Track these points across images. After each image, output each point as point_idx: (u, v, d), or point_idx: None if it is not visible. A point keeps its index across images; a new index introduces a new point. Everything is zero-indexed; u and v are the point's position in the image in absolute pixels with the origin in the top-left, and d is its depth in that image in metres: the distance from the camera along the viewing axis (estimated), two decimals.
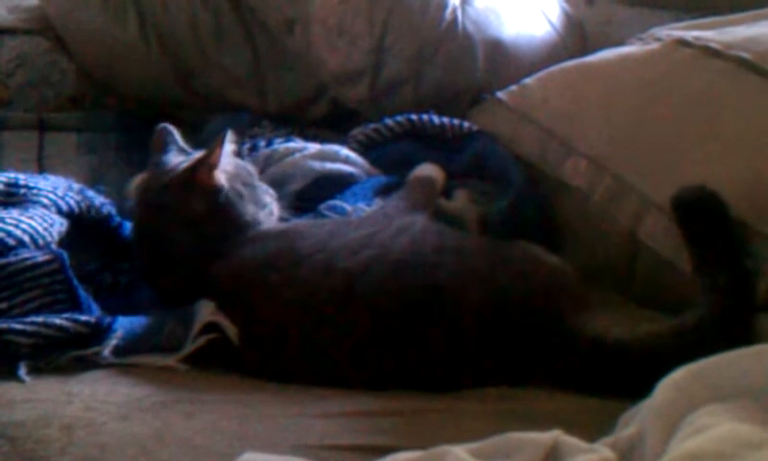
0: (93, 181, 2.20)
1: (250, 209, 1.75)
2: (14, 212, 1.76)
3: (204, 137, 2.06)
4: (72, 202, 1.84)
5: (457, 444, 1.16)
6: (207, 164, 1.72)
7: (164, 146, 1.85)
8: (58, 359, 1.57)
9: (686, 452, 0.98)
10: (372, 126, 2.21)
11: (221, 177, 1.73)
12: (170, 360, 1.60)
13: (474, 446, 1.13)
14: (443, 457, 1.11)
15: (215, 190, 1.73)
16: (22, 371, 1.53)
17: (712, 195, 1.60)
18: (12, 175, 1.87)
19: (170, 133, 1.87)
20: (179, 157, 1.81)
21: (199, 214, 1.73)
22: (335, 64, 2.37)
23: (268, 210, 1.79)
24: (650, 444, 1.06)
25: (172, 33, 2.48)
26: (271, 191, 1.84)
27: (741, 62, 1.85)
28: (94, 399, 1.47)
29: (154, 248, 1.77)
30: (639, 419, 1.13)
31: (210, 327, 1.61)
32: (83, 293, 1.68)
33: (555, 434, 1.11)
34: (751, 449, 0.97)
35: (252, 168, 1.84)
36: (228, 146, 1.75)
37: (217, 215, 1.73)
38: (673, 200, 1.63)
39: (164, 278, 1.75)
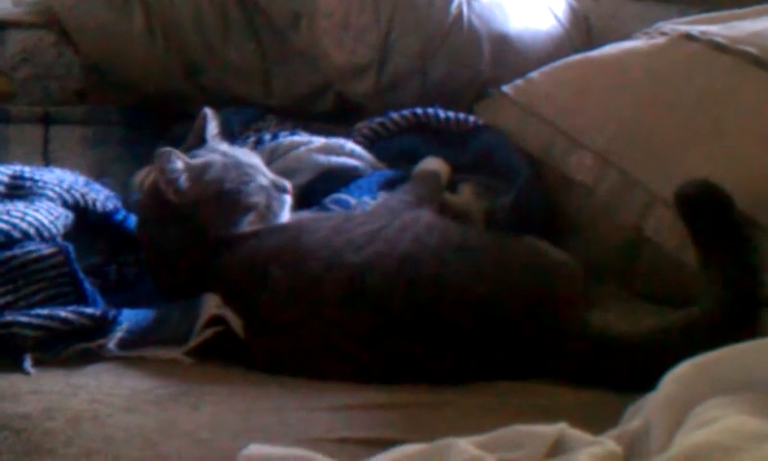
0: (98, 175, 2.21)
1: (218, 222, 1.72)
2: (20, 205, 1.76)
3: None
4: (77, 195, 1.84)
5: (462, 436, 1.16)
6: (160, 185, 1.72)
7: (201, 133, 1.86)
8: (63, 352, 1.58)
9: (692, 445, 0.98)
10: (378, 120, 2.21)
11: (171, 194, 1.71)
12: (175, 353, 1.60)
13: (480, 438, 1.13)
14: (447, 449, 1.11)
15: (171, 206, 1.72)
16: (27, 363, 1.54)
17: (716, 189, 1.59)
18: (18, 168, 1.88)
19: (206, 120, 1.87)
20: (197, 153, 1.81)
21: (165, 225, 1.74)
22: (341, 59, 2.37)
23: (260, 209, 1.76)
24: (655, 436, 1.06)
25: (177, 27, 2.48)
26: (280, 182, 1.81)
27: (747, 57, 1.84)
28: (100, 391, 1.48)
29: (151, 243, 1.79)
30: (645, 412, 1.13)
31: (216, 321, 1.61)
32: (88, 286, 1.69)
33: (560, 427, 1.11)
34: (757, 442, 0.97)
35: (248, 163, 1.80)
36: (177, 163, 1.71)
37: (180, 228, 1.73)
38: (676, 194, 1.62)
39: (164, 272, 1.77)
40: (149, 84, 2.54)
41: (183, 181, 1.71)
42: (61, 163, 2.25)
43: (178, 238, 1.72)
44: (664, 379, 1.12)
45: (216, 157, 1.77)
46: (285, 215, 1.79)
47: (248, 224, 1.73)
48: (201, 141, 1.84)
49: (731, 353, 1.12)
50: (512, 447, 1.11)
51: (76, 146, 2.44)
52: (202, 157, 1.76)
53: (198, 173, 1.73)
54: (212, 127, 1.86)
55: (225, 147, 1.84)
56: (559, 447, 1.09)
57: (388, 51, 2.34)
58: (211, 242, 1.70)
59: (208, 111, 1.87)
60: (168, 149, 1.71)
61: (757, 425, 0.99)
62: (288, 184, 1.81)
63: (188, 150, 1.81)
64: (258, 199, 1.75)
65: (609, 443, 1.08)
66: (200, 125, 1.86)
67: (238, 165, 1.78)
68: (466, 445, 1.10)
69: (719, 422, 1.01)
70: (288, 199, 1.80)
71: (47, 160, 2.36)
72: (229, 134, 2.00)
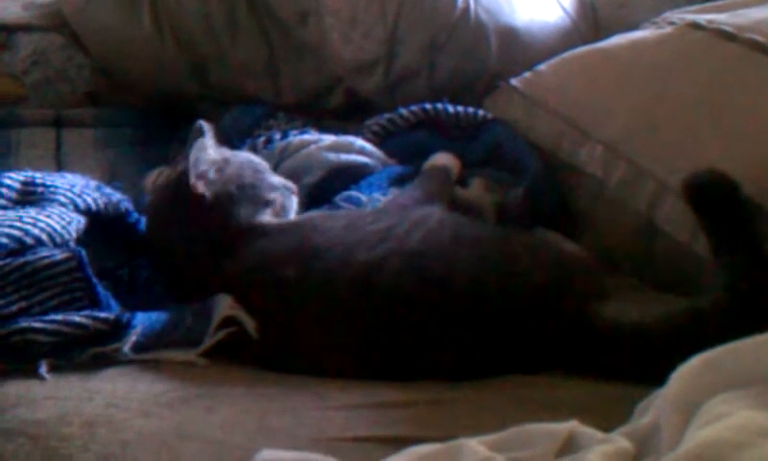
0: (111, 177, 2.21)
1: (242, 212, 1.73)
2: (32, 211, 1.76)
3: (220, 130, 2.06)
4: (89, 199, 1.84)
5: (476, 432, 1.17)
6: (186, 178, 1.72)
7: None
8: (78, 357, 1.58)
9: (701, 442, 0.98)
10: (387, 116, 2.21)
11: (201, 186, 1.72)
12: (190, 355, 1.60)
13: (491, 438, 1.13)
14: (459, 450, 1.11)
15: (199, 199, 1.72)
16: (43, 369, 1.54)
17: (723, 178, 1.59)
18: (29, 173, 1.88)
19: (201, 131, 1.87)
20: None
21: (187, 219, 1.74)
22: (349, 55, 2.37)
23: (276, 207, 1.77)
24: (666, 433, 1.06)
25: (186, 26, 2.48)
26: (288, 184, 1.82)
27: (754, 45, 1.85)
28: (115, 395, 1.48)
29: (162, 244, 1.79)
30: (655, 408, 1.13)
31: (229, 322, 1.61)
32: (101, 290, 1.69)
33: (571, 425, 1.11)
34: (765, 437, 0.97)
35: (259, 163, 1.83)
36: (209, 153, 1.74)
37: (204, 220, 1.73)
38: (684, 184, 1.62)
39: (175, 275, 1.77)
40: (159, 85, 2.54)
41: (212, 173, 1.73)
42: (74, 166, 2.25)
43: (193, 235, 1.73)
44: (673, 375, 1.12)
45: (229, 155, 1.79)
46: (292, 216, 1.81)
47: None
48: None
49: (738, 348, 1.12)
50: (522, 446, 1.11)
51: (88, 148, 2.44)
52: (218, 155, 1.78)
53: (221, 167, 1.75)
54: (208, 138, 1.87)
55: (227, 152, 1.84)
56: (570, 445, 1.10)
57: (395, 46, 2.35)
58: (231, 234, 1.71)
59: (203, 124, 1.89)
60: (201, 139, 1.73)
61: (765, 420, 1.00)
62: (294, 186, 1.82)
63: None
64: (275, 195, 1.78)
65: (620, 440, 1.08)
66: (196, 138, 1.86)
67: (251, 163, 1.80)
68: (477, 445, 1.10)
69: (728, 418, 1.01)
70: (295, 200, 1.81)
71: (59, 163, 2.36)
72: (228, 142, 2.01)
